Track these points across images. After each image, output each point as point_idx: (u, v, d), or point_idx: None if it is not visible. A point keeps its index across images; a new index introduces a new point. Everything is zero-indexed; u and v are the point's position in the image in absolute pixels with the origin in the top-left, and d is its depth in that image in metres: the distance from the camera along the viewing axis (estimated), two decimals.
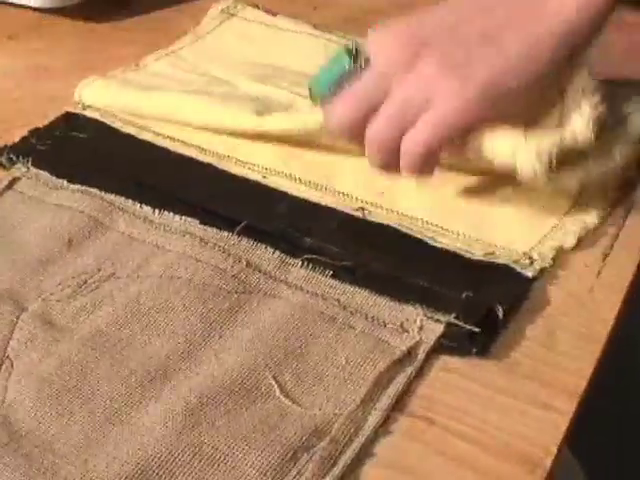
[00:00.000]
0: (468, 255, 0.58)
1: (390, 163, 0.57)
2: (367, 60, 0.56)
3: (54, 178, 0.66)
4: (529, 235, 0.59)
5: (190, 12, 0.85)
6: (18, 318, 0.55)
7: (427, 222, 0.60)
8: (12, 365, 0.52)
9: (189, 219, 0.61)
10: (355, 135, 0.58)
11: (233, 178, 0.66)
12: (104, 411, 0.49)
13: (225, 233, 0.60)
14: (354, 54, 0.56)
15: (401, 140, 0.56)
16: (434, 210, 0.61)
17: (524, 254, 0.57)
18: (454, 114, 0.55)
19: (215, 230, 0.60)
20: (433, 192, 0.62)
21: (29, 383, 0.51)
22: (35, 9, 0.84)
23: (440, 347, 0.52)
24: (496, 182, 0.62)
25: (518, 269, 0.56)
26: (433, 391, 0.50)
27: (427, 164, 0.57)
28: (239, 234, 0.59)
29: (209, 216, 0.61)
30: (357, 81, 0.57)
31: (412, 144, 0.56)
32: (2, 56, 0.81)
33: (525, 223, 0.60)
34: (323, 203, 0.63)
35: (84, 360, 0.52)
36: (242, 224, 0.60)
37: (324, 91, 0.56)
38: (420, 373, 0.51)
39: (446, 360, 0.52)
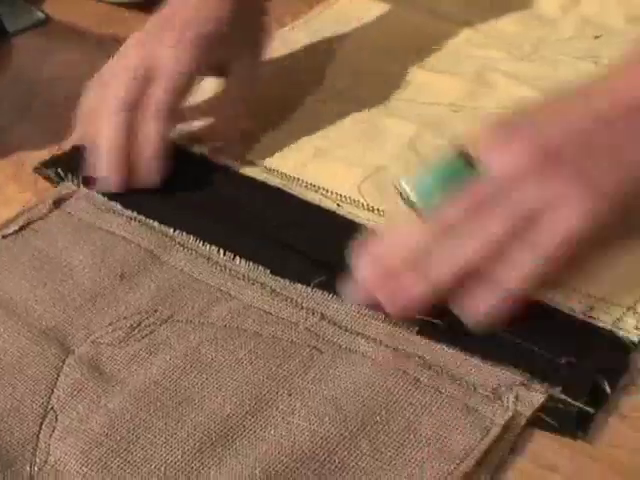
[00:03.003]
0: (566, 310, 0.51)
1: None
2: (477, 166, 0.48)
3: (106, 200, 0.61)
4: (634, 285, 0.52)
5: None
6: (64, 362, 0.50)
7: None
8: (56, 418, 0.47)
9: (260, 268, 0.55)
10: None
11: (304, 205, 0.60)
12: None
13: (299, 286, 0.54)
14: (467, 160, 0.48)
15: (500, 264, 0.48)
16: None
17: (628, 309, 0.51)
18: (584, 218, 0.47)
19: (287, 282, 0.54)
20: None
21: (75, 442, 0.46)
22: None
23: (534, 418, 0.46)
24: None
25: (620, 334, 0.49)
26: (528, 468, 0.45)
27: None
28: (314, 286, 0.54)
29: (279, 257, 0.55)
30: (468, 188, 0.48)
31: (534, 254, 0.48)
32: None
33: (629, 270, 0.53)
34: None
35: (136, 417, 0.47)
36: (319, 279, 0.53)
37: (428, 199, 0.47)
38: (514, 446, 0.45)
39: (541, 437, 0.46)
